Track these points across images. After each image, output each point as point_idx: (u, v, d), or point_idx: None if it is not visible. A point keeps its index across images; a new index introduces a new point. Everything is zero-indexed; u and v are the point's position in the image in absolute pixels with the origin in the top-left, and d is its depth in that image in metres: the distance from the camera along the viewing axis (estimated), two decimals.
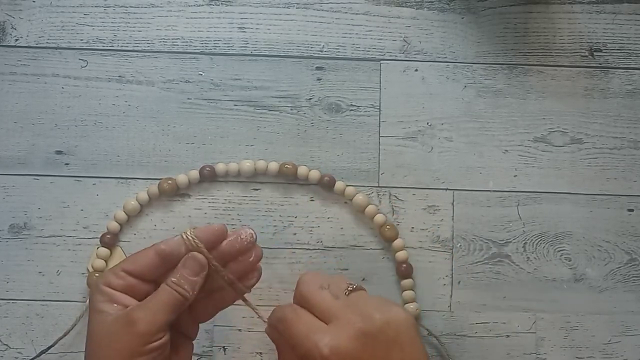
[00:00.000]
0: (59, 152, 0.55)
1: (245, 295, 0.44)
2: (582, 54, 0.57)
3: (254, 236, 0.43)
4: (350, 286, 0.42)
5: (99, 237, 0.53)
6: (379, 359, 0.37)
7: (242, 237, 0.43)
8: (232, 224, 0.54)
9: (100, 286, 0.41)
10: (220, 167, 0.54)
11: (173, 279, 0.41)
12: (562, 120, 0.56)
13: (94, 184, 0.54)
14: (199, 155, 0.55)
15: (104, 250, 0.53)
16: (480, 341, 0.54)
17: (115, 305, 0.41)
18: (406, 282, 0.53)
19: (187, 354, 0.44)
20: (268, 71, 0.56)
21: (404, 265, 0.53)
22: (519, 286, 0.54)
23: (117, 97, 0.55)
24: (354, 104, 0.56)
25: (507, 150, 0.56)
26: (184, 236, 0.42)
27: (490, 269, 0.55)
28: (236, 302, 0.45)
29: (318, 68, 0.56)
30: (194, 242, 0.42)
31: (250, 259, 0.44)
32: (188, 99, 0.56)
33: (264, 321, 0.44)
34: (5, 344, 0.53)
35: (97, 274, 0.52)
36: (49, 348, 0.51)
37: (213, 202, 0.55)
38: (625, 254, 0.55)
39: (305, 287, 0.42)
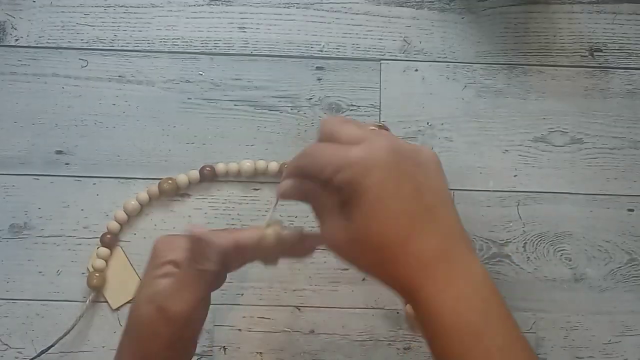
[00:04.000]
0: (59, 152, 0.55)
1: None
2: (582, 54, 0.57)
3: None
4: (377, 124, 0.41)
5: (99, 237, 0.53)
6: (406, 173, 0.37)
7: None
8: (232, 224, 0.54)
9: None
10: (220, 167, 0.54)
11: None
12: (562, 120, 0.56)
13: (94, 184, 0.54)
14: (199, 155, 0.55)
15: (104, 250, 0.53)
16: None
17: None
18: None
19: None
20: (268, 71, 0.56)
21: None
22: (519, 286, 0.54)
23: (117, 97, 0.55)
24: (354, 103, 0.56)
25: (507, 150, 0.56)
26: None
27: (490, 269, 0.55)
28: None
29: (318, 68, 0.56)
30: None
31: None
32: (188, 99, 0.56)
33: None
34: (5, 344, 0.53)
35: (97, 274, 0.52)
36: (49, 348, 0.51)
37: (213, 202, 0.55)
38: (625, 254, 0.55)
39: (327, 124, 0.39)
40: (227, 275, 0.52)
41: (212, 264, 0.40)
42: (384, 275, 0.37)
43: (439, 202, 0.37)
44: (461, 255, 0.37)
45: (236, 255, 0.42)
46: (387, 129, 0.41)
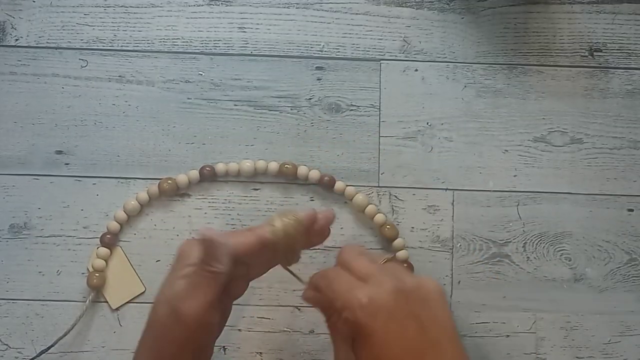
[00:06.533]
0: (59, 152, 0.55)
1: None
2: (582, 54, 0.57)
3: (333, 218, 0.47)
4: (387, 257, 0.47)
5: (99, 237, 0.53)
6: (410, 313, 0.39)
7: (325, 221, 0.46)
8: (232, 224, 0.54)
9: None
10: (220, 167, 0.54)
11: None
12: (562, 120, 0.56)
13: (94, 184, 0.54)
14: (199, 155, 0.55)
15: (104, 250, 0.53)
16: (480, 341, 0.54)
17: None
18: None
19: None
20: (268, 71, 0.56)
21: (404, 265, 0.53)
22: (519, 286, 0.54)
23: (117, 97, 0.55)
24: (354, 104, 0.56)
25: (507, 150, 0.56)
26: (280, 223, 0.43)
27: (490, 268, 0.55)
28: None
29: (318, 68, 0.56)
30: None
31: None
32: (188, 99, 0.56)
33: (304, 284, 0.45)
34: (5, 344, 0.53)
35: (96, 274, 0.52)
36: (49, 348, 0.51)
37: (213, 202, 0.55)
38: (625, 254, 0.55)
39: (345, 254, 0.43)
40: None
41: (222, 266, 0.41)
42: None
43: (444, 336, 0.39)
44: None
45: (252, 256, 0.43)
46: (396, 260, 0.50)
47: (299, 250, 0.45)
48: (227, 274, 0.41)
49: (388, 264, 0.45)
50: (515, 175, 0.56)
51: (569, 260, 0.55)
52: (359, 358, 0.40)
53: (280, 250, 0.43)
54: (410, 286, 0.40)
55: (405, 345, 0.38)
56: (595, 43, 0.57)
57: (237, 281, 0.44)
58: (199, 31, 0.56)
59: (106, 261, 0.53)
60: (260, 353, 0.53)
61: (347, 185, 0.54)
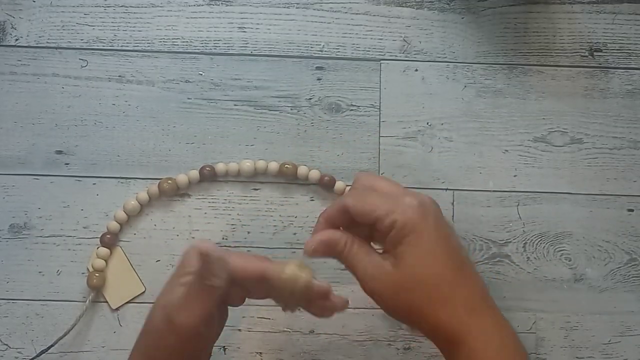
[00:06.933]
0: (59, 152, 0.55)
1: None
2: (582, 54, 0.57)
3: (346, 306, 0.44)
4: None
5: (99, 237, 0.53)
6: (448, 226, 0.42)
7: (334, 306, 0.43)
8: (232, 224, 0.54)
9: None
10: (220, 167, 0.54)
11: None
12: (562, 120, 0.56)
13: (94, 183, 0.54)
14: (199, 155, 0.55)
15: (104, 250, 0.53)
16: None
17: None
18: None
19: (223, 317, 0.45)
20: (268, 71, 0.56)
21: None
22: (519, 286, 0.54)
23: (117, 97, 0.55)
24: (354, 103, 0.56)
25: (507, 150, 0.56)
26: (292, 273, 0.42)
27: (490, 268, 0.55)
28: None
29: (318, 68, 0.56)
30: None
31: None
32: (188, 98, 0.56)
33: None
34: (5, 344, 0.53)
35: (96, 274, 0.52)
36: (49, 348, 0.51)
37: (213, 202, 0.55)
38: (625, 254, 0.55)
39: (366, 177, 0.44)
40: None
41: (218, 281, 0.40)
42: (426, 319, 0.40)
43: (466, 256, 0.42)
44: (496, 306, 0.41)
45: (250, 283, 0.42)
46: None
47: (299, 306, 0.43)
48: (224, 289, 0.40)
49: None
50: (515, 175, 0.56)
51: (569, 260, 0.55)
52: (403, 262, 0.40)
53: (281, 295, 0.42)
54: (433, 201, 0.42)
55: (451, 248, 0.40)
56: (596, 43, 0.57)
57: (234, 296, 0.43)
58: (199, 31, 0.56)
59: (106, 261, 0.53)
60: (260, 353, 0.53)
61: (347, 185, 0.54)
